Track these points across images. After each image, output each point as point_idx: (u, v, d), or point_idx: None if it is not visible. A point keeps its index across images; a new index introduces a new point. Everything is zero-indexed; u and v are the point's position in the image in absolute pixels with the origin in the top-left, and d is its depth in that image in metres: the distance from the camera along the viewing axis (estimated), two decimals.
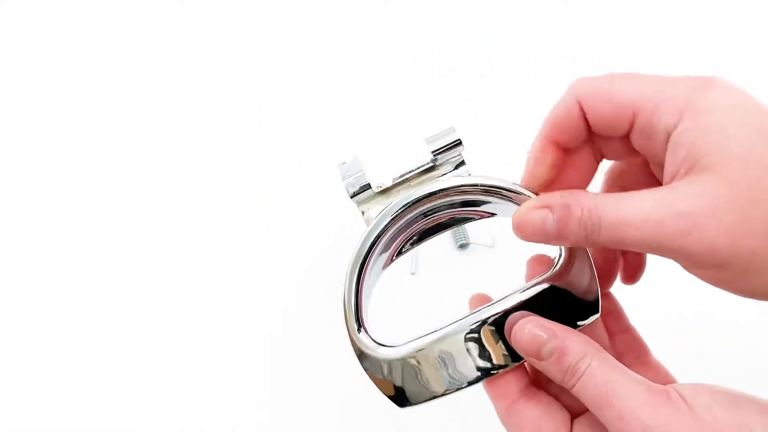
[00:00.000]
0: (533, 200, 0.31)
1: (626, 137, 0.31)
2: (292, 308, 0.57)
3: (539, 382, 0.33)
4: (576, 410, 0.32)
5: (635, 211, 0.28)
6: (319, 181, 0.62)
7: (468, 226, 0.59)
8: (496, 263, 0.58)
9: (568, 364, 0.29)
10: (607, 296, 0.36)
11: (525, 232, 0.30)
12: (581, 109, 0.30)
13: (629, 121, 0.30)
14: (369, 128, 0.65)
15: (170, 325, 0.56)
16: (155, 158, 0.66)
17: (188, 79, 0.72)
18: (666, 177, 0.30)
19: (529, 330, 0.30)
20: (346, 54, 0.71)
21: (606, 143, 0.33)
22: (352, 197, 0.33)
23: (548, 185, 0.33)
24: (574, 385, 0.29)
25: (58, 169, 0.66)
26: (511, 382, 0.32)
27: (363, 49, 0.71)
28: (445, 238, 0.59)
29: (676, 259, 0.29)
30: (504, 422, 0.32)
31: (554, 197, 0.30)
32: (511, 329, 0.31)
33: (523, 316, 0.31)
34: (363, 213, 0.33)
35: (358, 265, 0.32)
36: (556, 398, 0.32)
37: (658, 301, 0.52)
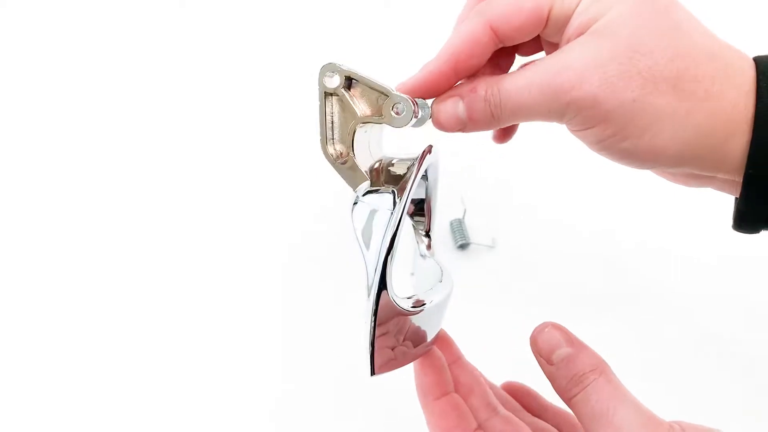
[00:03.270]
0: (446, 93, 0.32)
1: (537, 39, 0.33)
2: (301, 300, 0.57)
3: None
4: None
5: (527, 77, 0.30)
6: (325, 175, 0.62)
7: (468, 226, 0.59)
8: (496, 263, 0.58)
9: (576, 372, 0.30)
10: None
11: (441, 121, 0.32)
12: (491, 31, 0.31)
13: (544, 20, 0.31)
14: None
15: (173, 318, 0.56)
16: (159, 157, 0.66)
17: (188, 79, 0.73)
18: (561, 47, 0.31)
19: (549, 331, 0.31)
20: (346, 54, 0.71)
21: (508, 60, 0.35)
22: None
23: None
24: (576, 395, 0.29)
25: (65, 166, 0.66)
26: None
27: (362, 49, 0.71)
28: (445, 238, 0.59)
29: (567, 121, 0.30)
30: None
31: (462, 87, 0.32)
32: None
33: (551, 324, 0.32)
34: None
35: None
36: None
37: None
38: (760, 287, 0.55)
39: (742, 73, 0.29)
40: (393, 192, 0.31)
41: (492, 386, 0.37)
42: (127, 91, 0.72)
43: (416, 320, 0.32)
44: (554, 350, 0.31)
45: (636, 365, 0.52)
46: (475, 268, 0.57)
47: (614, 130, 0.29)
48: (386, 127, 0.33)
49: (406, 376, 0.35)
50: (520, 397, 0.37)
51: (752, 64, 0.30)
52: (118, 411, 0.52)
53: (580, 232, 0.59)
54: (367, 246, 0.30)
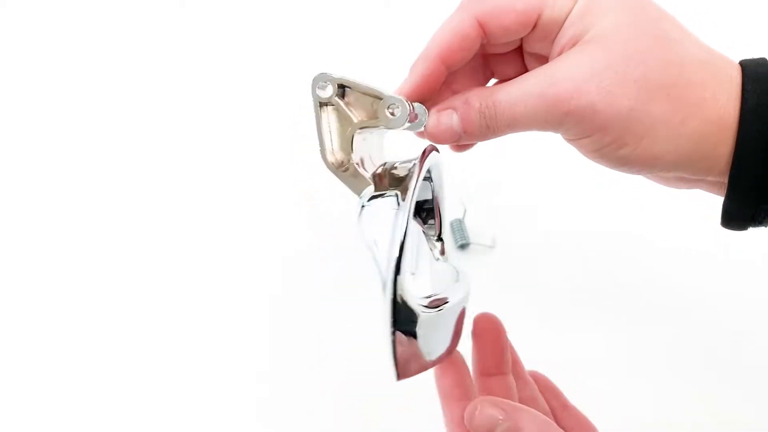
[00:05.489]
0: (439, 105, 0.32)
1: (518, 51, 0.33)
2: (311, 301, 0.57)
3: None
4: None
5: (522, 88, 0.30)
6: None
7: (468, 226, 0.59)
8: (496, 263, 0.58)
9: None
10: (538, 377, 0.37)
11: (437, 134, 0.32)
12: (479, 26, 0.31)
13: (533, 24, 0.31)
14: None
15: (172, 319, 0.56)
16: (157, 158, 0.66)
17: (189, 80, 0.72)
18: (552, 58, 0.31)
19: (482, 410, 0.31)
20: (346, 54, 0.71)
21: (497, 59, 0.34)
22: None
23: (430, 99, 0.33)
24: None
25: (64, 166, 0.66)
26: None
27: (362, 49, 0.71)
28: (445, 238, 0.59)
29: (565, 131, 0.30)
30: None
31: (456, 99, 0.32)
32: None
33: (482, 400, 0.31)
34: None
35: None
36: None
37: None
38: (761, 285, 0.55)
39: (730, 78, 0.30)
40: (397, 194, 0.31)
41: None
42: (126, 92, 0.72)
43: (435, 320, 0.32)
44: (495, 427, 0.30)
45: (635, 364, 0.53)
46: (475, 268, 0.57)
47: (612, 139, 0.29)
48: (386, 133, 0.33)
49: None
50: (543, 391, 0.37)
51: (739, 69, 0.30)
52: (115, 408, 0.52)
53: (580, 233, 0.59)
54: (378, 247, 0.30)
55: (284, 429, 0.51)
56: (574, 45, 0.30)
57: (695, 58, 0.30)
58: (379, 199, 0.31)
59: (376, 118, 0.31)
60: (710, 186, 0.33)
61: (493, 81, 0.36)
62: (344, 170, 0.32)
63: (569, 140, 0.31)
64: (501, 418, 0.30)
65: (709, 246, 0.56)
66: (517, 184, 0.63)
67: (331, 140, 0.32)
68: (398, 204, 0.30)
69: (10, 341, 0.56)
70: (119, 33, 0.77)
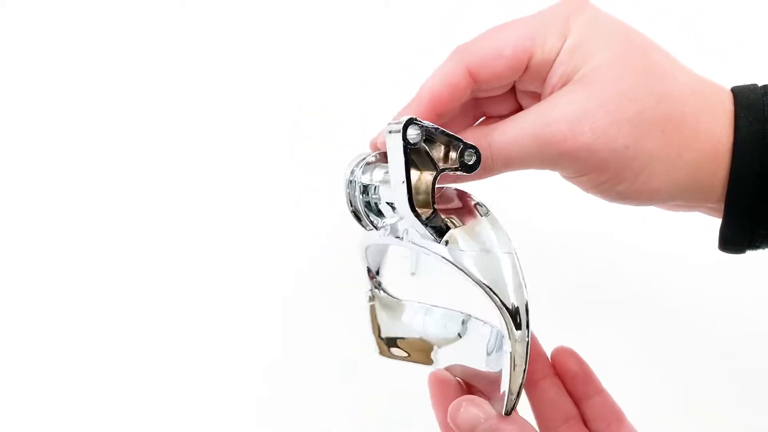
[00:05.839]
0: None
1: (511, 89, 0.33)
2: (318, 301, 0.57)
3: None
4: None
5: (517, 128, 0.30)
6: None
7: None
8: None
9: None
10: (577, 360, 0.36)
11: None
12: (469, 75, 0.31)
13: (524, 67, 0.31)
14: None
15: (170, 321, 0.56)
16: (156, 159, 0.66)
17: (189, 80, 0.72)
18: (545, 96, 0.31)
19: (466, 408, 0.31)
20: (346, 55, 0.71)
21: (488, 102, 0.34)
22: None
23: None
24: None
25: (63, 166, 0.66)
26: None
27: (362, 49, 0.71)
28: None
29: (561, 170, 0.31)
30: None
31: None
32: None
33: (467, 399, 0.32)
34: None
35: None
36: None
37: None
38: (761, 288, 0.55)
39: (722, 105, 0.30)
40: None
41: None
42: (126, 93, 0.72)
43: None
44: (476, 427, 0.30)
45: (634, 367, 0.53)
46: None
47: (608, 177, 0.29)
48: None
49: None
50: (565, 381, 0.36)
51: (731, 96, 0.30)
52: (120, 409, 0.52)
53: (580, 234, 0.59)
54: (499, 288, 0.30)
55: (284, 429, 0.51)
56: (565, 84, 0.30)
57: (687, 89, 0.30)
58: (475, 242, 0.31)
59: (450, 163, 0.30)
60: (708, 210, 0.33)
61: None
62: (428, 218, 0.30)
63: (566, 178, 0.31)
64: (482, 417, 0.30)
65: (710, 248, 0.56)
66: (517, 185, 0.63)
67: (418, 190, 0.30)
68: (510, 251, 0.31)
69: (10, 341, 0.56)
70: (119, 33, 0.76)
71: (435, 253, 0.31)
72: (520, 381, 0.30)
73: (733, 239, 0.31)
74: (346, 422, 0.52)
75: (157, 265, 0.59)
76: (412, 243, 0.32)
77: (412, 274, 0.57)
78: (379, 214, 0.33)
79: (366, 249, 0.37)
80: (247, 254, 0.60)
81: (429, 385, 0.35)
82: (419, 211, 0.30)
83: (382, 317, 0.39)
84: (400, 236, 0.33)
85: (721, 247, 0.32)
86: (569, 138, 0.29)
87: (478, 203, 0.33)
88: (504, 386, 0.30)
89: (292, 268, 0.59)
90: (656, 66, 0.30)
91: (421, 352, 0.37)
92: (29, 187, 0.65)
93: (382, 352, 0.39)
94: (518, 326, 0.30)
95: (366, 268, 0.38)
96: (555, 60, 0.30)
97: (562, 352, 0.35)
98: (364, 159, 0.33)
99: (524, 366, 0.30)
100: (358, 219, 0.34)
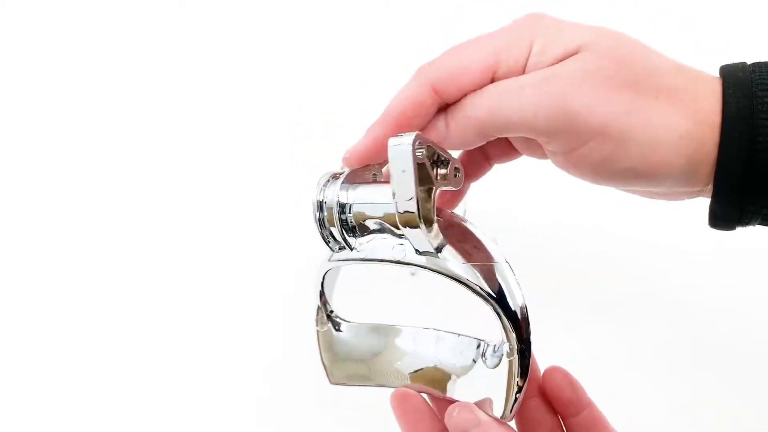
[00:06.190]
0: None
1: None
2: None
3: None
4: None
5: (515, 81, 0.29)
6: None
7: None
8: None
9: None
10: (570, 382, 0.35)
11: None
12: (434, 92, 0.31)
13: (488, 80, 0.31)
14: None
15: (174, 317, 0.56)
16: (156, 159, 0.66)
17: (189, 81, 0.72)
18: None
19: (459, 413, 0.32)
20: (346, 55, 0.71)
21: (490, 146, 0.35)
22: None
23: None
24: None
25: (62, 167, 0.66)
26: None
27: (362, 49, 0.71)
28: None
29: (561, 138, 0.29)
30: None
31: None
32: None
33: (461, 405, 0.32)
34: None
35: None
36: None
37: None
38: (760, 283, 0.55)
39: (710, 82, 0.30)
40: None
41: None
42: (125, 93, 0.72)
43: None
44: (469, 429, 0.31)
45: (634, 367, 0.53)
46: None
47: (611, 147, 0.29)
48: None
49: None
50: (553, 401, 0.35)
51: (718, 76, 0.30)
52: (116, 408, 0.52)
53: (581, 234, 0.59)
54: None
55: (284, 429, 0.51)
56: (558, 58, 0.30)
57: (672, 65, 0.30)
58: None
59: (440, 178, 0.31)
60: (696, 194, 0.32)
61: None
62: (430, 227, 0.31)
63: (566, 156, 0.30)
64: (472, 424, 0.31)
65: (712, 244, 0.56)
66: (517, 186, 0.63)
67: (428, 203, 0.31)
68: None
69: (11, 341, 0.56)
70: (118, 33, 0.76)
71: (431, 268, 0.31)
72: (521, 387, 0.31)
73: (723, 216, 0.30)
74: (346, 422, 0.52)
75: (157, 265, 0.59)
76: (400, 261, 0.32)
77: (412, 274, 0.57)
78: (353, 232, 0.33)
79: (325, 274, 0.37)
80: (248, 254, 0.60)
81: (392, 402, 0.35)
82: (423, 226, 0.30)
83: (341, 343, 0.38)
84: (378, 255, 0.33)
85: (711, 223, 0.32)
86: (569, 94, 0.28)
87: (453, 213, 0.34)
88: (501, 392, 0.31)
89: (292, 268, 0.58)
90: (638, 45, 0.30)
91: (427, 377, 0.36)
92: (29, 187, 0.65)
93: (335, 380, 0.38)
94: (519, 332, 0.31)
95: (319, 292, 0.38)
96: (525, 65, 0.30)
97: (554, 373, 0.35)
98: (331, 178, 0.33)
99: (526, 374, 0.31)
100: (328, 240, 0.34)
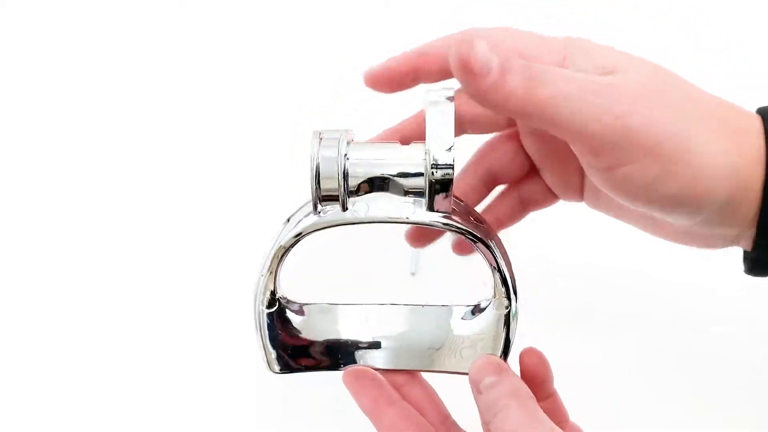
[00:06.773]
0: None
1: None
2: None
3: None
4: None
5: (569, 74, 0.27)
6: None
7: None
8: None
9: (493, 398, 0.30)
10: (542, 362, 0.35)
11: (470, 57, 0.26)
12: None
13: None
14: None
15: (174, 317, 0.56)
16: (155, 160, 0.66)
17: (189, 81, 0.72)
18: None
19: (480, 361, 0.32)
20: (346, 55, 0.71)
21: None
22: None
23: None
24: (490, 421, 0.30)
25: (62, 167, 0.66)
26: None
27: (362, 49, 0.71)
28: (445, 238, 0.59)
29: (611, 154, 0.27)
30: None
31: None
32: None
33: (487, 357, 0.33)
34: None
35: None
36: None
37: None
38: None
39: (748, 115, 0.29)
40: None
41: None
42: (125, 93, 0.72)
43: None
44: (482, 379, 0.31)
45: (633, 377, 0.52)
46: (476, 268, 0.57)
47: (660, 167, 0.26)
48: None
49: None
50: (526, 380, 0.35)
51: (756, 114, 0.29)
52: (115, 408, 0.52)
53: (581, 242, 0.58)
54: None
55: (284, 429, 0.51)
56: (605, 72, 0.28)
57: (710, 95, 0.29)
58: None
59: None
60: (730, 240, 0.30)
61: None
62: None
63: (608, 174, 0.28)
64: (492, 371, 0.31)
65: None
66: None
67: None
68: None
69: (11, 341, 0.56)
70: (118, 33, 0.77)
71: (444, 224, 0.32)
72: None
73: (762, 262, 0.29)
74: (347, 422, 0.52)
75: (156, 265, 0.59)
76: (408, 220, 0.32)
77: (412, 274, 0.57)
78: (355, 193, 0.32)
79: (295, 242, 0.36)
80: (247, 254, 0.60)
81: (344, 380, 0.36)
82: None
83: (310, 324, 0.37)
84: (381, 215, 0.32)
85: (748, 271, 0.30)
86: (630, 110, 0.26)
87: None
88: (499, 339, 0.34)
89: (291, 269, 0.58)
90: (673, 73, 0.29)
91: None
92: (29, 187, 0.65)
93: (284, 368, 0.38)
94: (514, 288, 0.33)
95: (273, 265, 0.37)
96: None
97: (531, 353, 0.35)
98: (341, 137, 0.33)
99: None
100: (330, 199, 0.32)
